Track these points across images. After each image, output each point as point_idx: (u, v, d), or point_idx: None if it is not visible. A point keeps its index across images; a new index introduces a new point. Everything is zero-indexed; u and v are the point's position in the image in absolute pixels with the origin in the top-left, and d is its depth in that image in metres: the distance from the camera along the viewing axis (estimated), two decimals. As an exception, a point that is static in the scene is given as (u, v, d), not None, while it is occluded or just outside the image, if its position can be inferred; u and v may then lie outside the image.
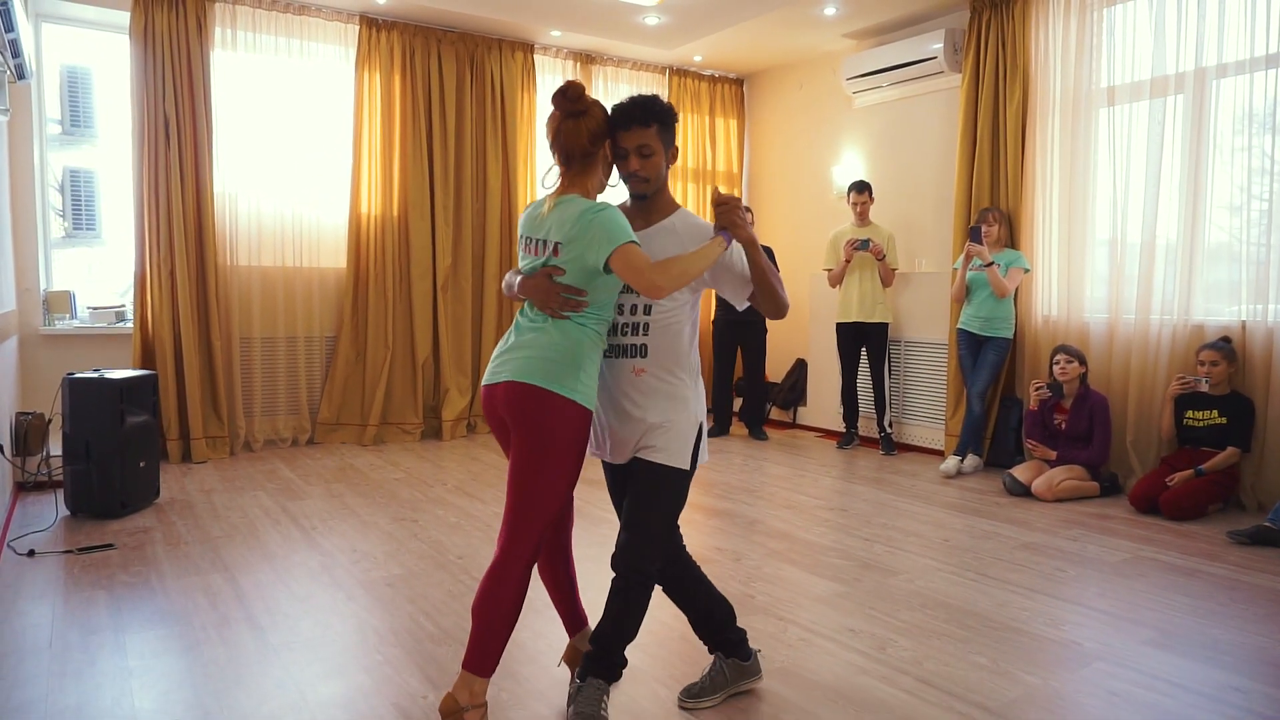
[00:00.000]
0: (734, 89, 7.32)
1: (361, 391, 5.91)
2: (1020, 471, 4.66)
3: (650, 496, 2.06)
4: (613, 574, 2.10)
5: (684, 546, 2.31)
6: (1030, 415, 4.80)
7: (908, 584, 3.21)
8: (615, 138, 2.05)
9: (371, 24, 5.71)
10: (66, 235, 5.41)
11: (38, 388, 4.96)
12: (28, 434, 4.31)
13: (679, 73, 7.01)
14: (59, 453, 4.16)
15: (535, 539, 2.00)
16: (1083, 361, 4.64)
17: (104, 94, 5.34)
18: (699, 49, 6.42)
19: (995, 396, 5.23)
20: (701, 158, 7.17)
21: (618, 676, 2.15)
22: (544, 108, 6.46)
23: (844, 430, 6.03)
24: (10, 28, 3.42)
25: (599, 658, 2.10)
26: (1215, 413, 4.27)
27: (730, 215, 2.00)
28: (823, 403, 6.43)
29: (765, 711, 2.24)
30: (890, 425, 5.84)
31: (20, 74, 4.06)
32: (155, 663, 2.48)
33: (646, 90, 6.90)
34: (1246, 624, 2.84)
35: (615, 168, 2.12)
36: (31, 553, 3.43)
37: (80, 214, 5.43)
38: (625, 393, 2.11)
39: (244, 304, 5.53)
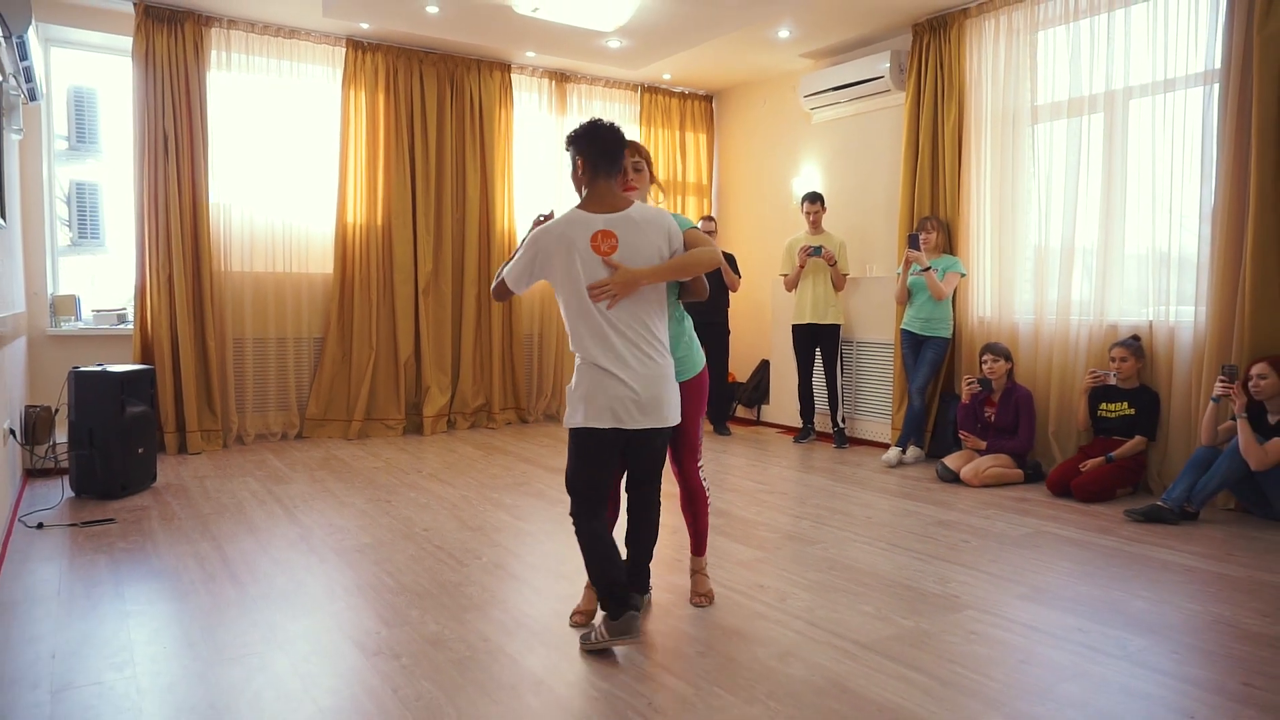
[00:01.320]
0: (703, 105, 7.74)
1: (347, 389, 6.30)
2: (952, 460, 5.04)
3: None
4: None
5: (599, 506, 2.66)
6: (962, 409, 5.18)
7: (822, 551, 3.59)
8: None
9: (357, 46, 6.13)
10: (72, 244, 5.81)
11: (44, 384, 5.35)
12: (36, 425, 4.71)
13: (650, 90, 7.42)
14: (63, 442, 4.55)
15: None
16: (1008, 359, 5.02)
17: (108, 112, 5.75)
18: (666, 68, 6.84)
19: (935, 392, 5.62)
20: (672, 170, 7.58)
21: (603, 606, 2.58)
22: (520, 123, 6.89)
23: (801, 426, 6.41)
24: (25, 56, 3.83)
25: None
26: (1125, 404, 4.65)
27: None
28: (784, 401, 6.81)
29: (669, 646, 2.62)
30: (843, 420, 6.23)
31: (32, 96, 4.48)
32: (149, 607, 2.87)
33: (619, 107, 7.30)
34: (1111, 583, 3.22)
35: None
36: (40, 525, 3.82)
37: (85, 224, 5.83)
38: None
39: (237, 307, 5.92)
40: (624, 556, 2.73)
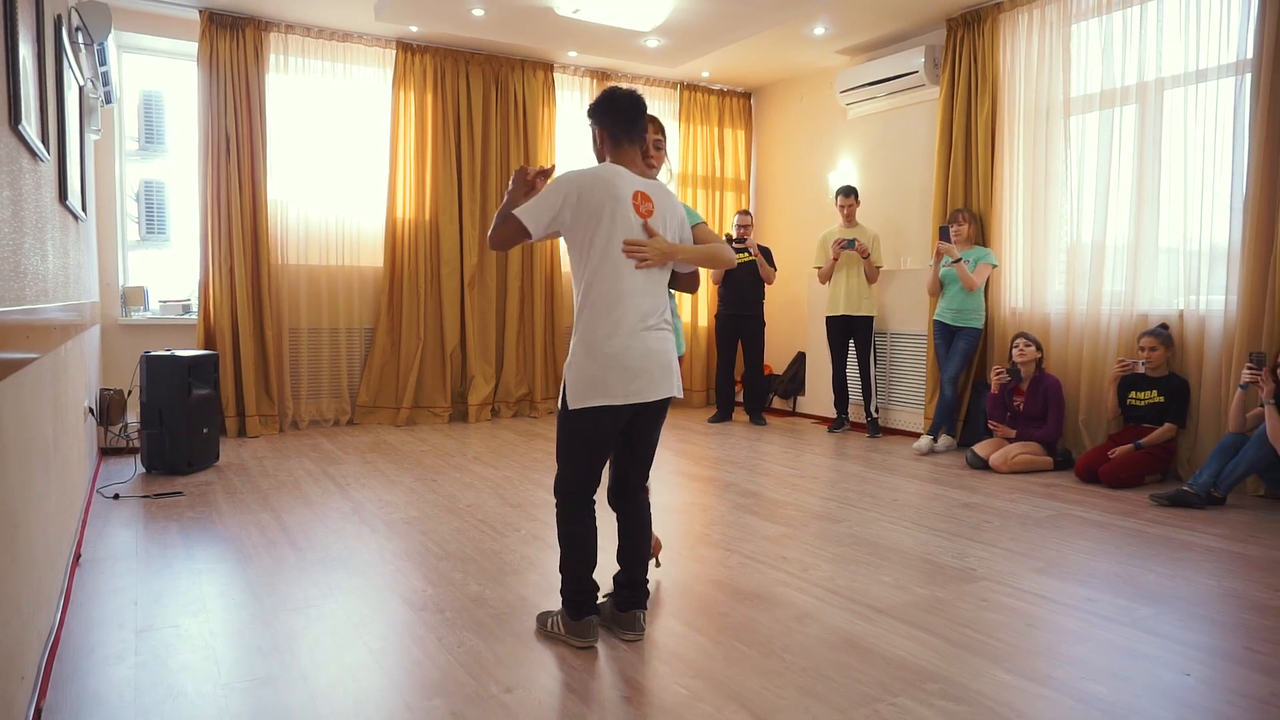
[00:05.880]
0: (742, 102, 7.88)
1: (396, 377, 6.58)
2: (981, 447, 5.13)
3: None
4: None
5: (588, 491, 2.51)
6: (991, 398, 5.26)
7: (846, 529, 3.73)
8: None
9: (407, 48, 6.40)
10: (141, 239, 6.17)
11: (116, 369, 5.70)
12: (110, 406, 5.04)
13: (689, 87, 7.59)
14: (134, 422, 4.87)
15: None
16: (1039, 347, 5.09)
17: (174, 114, 6.10)
18: (704, 66, 7.00)
19: (968, 381, 5.70)
20: (710, 166, 7.74)
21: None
22: (563, 121, 7.10)
23: (835, 416, 6.53)
24: (104, 62, 4.14)
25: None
26: (1155, 393, 4.70)
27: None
28: (820, 392, 6.92)
29: (693, 606, 2.80)
30: (876, 410, 6.33)
31: (108, 99, 4.80)
32: (217, 566, 3.12)
33: (658, 104, 7.45)
34: (1128, 559, 3.31)
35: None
36: (116, 496, 4.13)
37: (153, 220, 6.19)
38: None
39: (293, 298, 6.23)
40: (619, 569, 2.59)
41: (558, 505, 2.51)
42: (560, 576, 2.53)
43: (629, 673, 2.31)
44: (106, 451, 5.22)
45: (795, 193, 7.51)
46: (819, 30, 6.03)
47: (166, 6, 5.64)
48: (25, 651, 1.91)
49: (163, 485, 4.42)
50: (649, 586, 2.66)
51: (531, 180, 2.46)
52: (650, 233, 2.42)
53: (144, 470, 4.72)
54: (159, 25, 5.77)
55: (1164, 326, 4.72)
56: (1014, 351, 5.12)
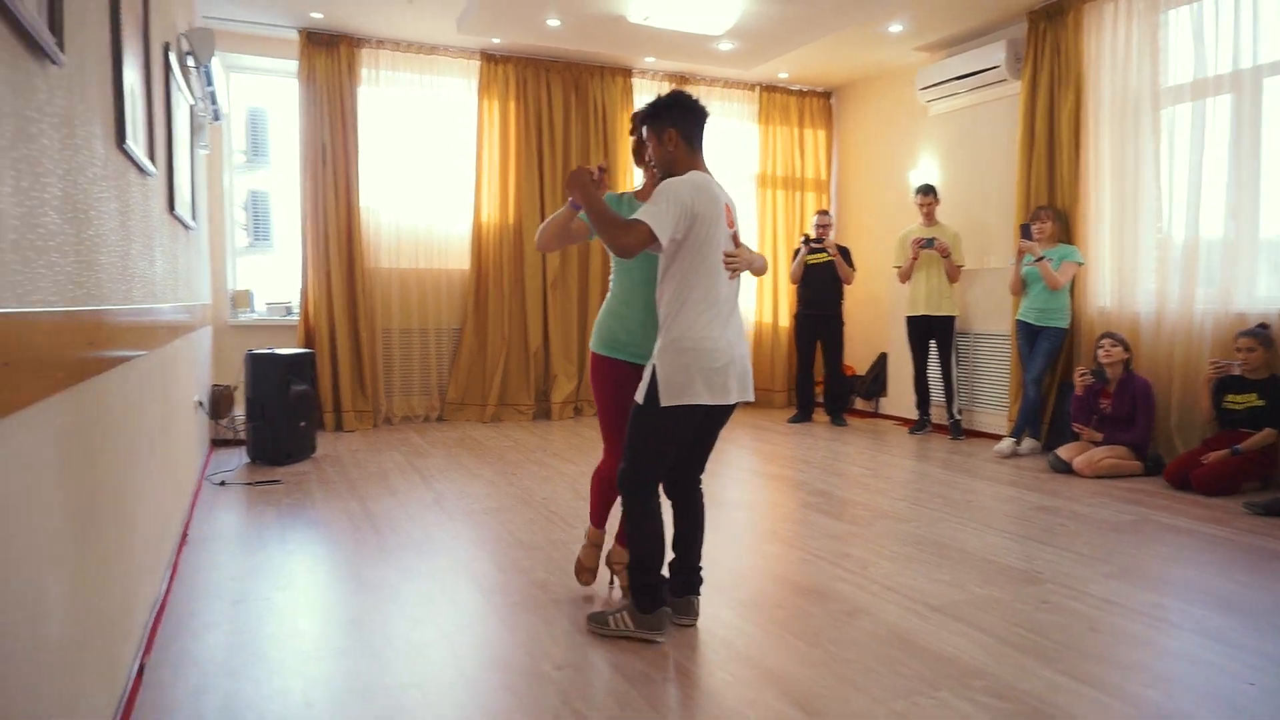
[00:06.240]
0: (822, 102, 7.84)
1: (482, 376, 6.83)
2: (1065, 451, 4.99)
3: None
4: None
5: (654, 481, 2.54)
6: (1076, 400, 5.11)
7: (914, 529, 3.72)
8: None
9: (490, 58, 6.64)
10: (249, 245, 6.60)
11: (226, 367, 6.12)
12: (219, 401, 5.43)
13: (768, 89, 7.61)
14: (241, 415, 5.24)
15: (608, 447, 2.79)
16: (1126, 348, 4.93)
17: (277, 128, 6.51)
18: (781, 67, 7.01)
19: (1053, 382, 5.55)
20: (790, 167, 7.73)
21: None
22: (642, 125, 7.22)
23: (917, 417, 6.44)
24: (210, 82, 4.48)
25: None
26: (1254, 396, 4.49)
27: (570, 186, 2.46)
28: (902, 393, 6.84)
29: (746, 598, 2.86)
30: (959, 412, 6.21)
31: (216, 117, 5.18)
32: (306, 547, 3.37)
33: (737, 106, 7.47)
34: (1207, 567, 3.20)
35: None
36: (222, 483, 4.47)
37: (259, 227, 6.62)
38: None
39: (385, 300, 6.55)
40: (674, 556, 2.65)
41: (627, 496, 2.51)
42: (629, 574, 2.55)
43: (676, 657, 2.40)
44: (217, 443, 5.62)
45: (876, 192, 7.44)
46: (895, 28, 5.97)
47: (270, 28, 6.03)
48: (131, 615, 2.14)
49: (264, 474, 4.74)
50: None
51: (599, 179, 2.50)
52: (737, 243, 2.54)
53: (249, 460, 5.07)
54: (263, 46, 6.17)
55: (1263, 326, 4.50)
56: (1099, 353, 4.97)
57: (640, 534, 2.51)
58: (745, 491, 4.49)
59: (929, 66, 6.44)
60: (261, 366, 5.00)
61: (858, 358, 7.53)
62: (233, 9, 5.71)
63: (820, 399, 7.16)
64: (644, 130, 2.57)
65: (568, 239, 2.70)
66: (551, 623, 2.63)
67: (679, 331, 2.41)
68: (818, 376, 7.13)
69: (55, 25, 1.54)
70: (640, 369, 2.61)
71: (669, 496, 2.70)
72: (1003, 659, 2.37)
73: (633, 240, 2.31)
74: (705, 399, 2.41)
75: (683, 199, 2.36)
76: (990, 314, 6.13)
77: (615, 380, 2.70)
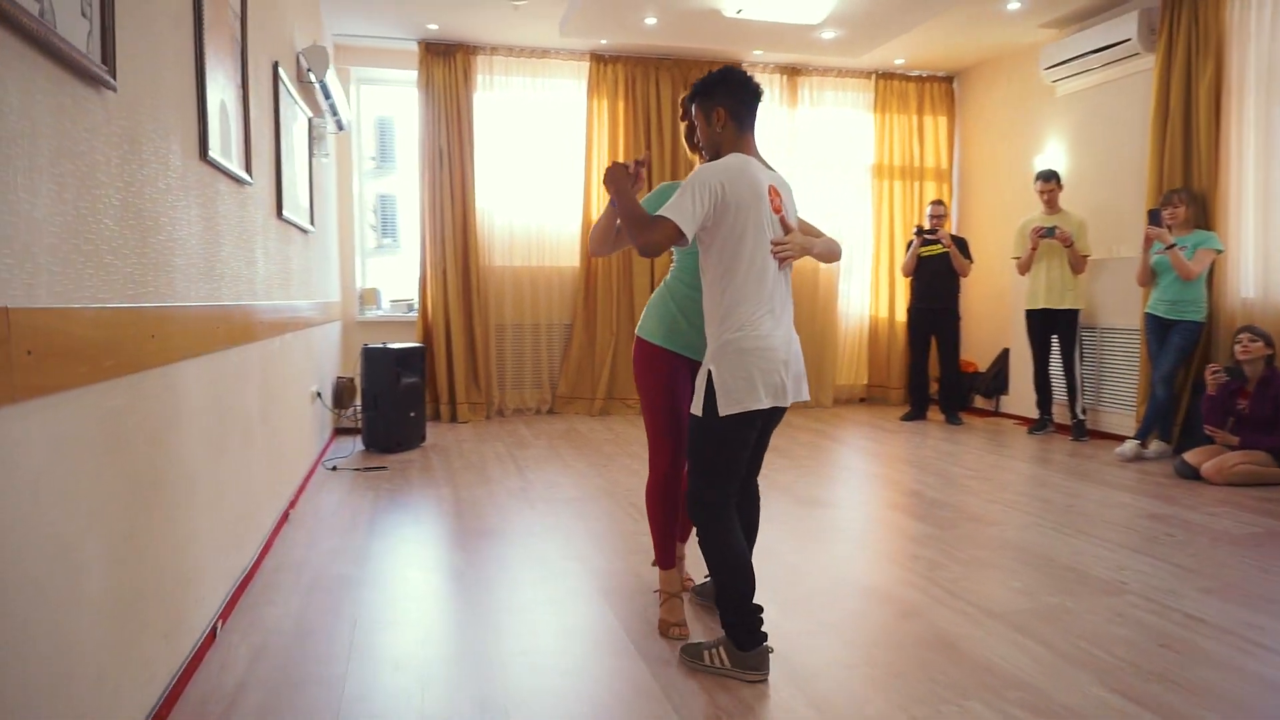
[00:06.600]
0: (943, 87, 7.52)
1: (591, 370, 7.00)
2: (1193, 455, 4.60)
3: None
4: None
5: (728, 500, 2.31)
6: (1208, 400, 4.69)
7: (998, 533, 3.54)
8: None
9: (599, 59, 6.78)
10: (378, 245, 7.05)
11: (353, 361, 6.55)
12: (342, 392, 5.84)
13: (885, 76, 7.37)
14: (358, 405, 5.62)
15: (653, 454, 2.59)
16: (1269, 343, 4.48)
17: (401, 135, 6.92)
18: (896, 52, 6.77)
19: (1186, 381, 5.11)
20: (909, 155, 7.46)
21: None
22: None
23: (1037, 416, 6.09)
24: (327, 95, 4.83)
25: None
26: None
27: (605, 183, 2.35)
28: (1023, 391, 6.48)
29: (800, 595, 2.83)
30: (1083, 412, 5.82)
31: (339, 126, 5.57)
32: (391, 530, 3.60)
33: (852, 95, 7.28)
34: (1328, 586, 2.88)
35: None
36: (334, 468, 4.82)
37: (386, 228, 7.05)
38: None
39: (498, 296, 6.83)
40: None
41: (703, 522, 2.27)
42: (718, 607, 2.30)
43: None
44: (340, 431, 6.05)
45: (1000, 179, 7.06)
46: (1014, 5, 5.65)
47: (393, 41, 6.41)
48: (203, 579, 2.37)
49: (373, 461, 5.07)
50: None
51: (635, 172, 2.39)
52: (787, 229, 2.32)
53: (362, 448, 5.43)
54: (388, 59, 6.56)
55: None
56: (1237, 348, 4.54)
57: (724, 565, 2.25)
58: (835, 490, 4.41)
59: (1055, 44, 6.05)
60: (374, 360, 5.34)
61: (979, 353, 7.19)
62: (358, 25, 6.11)
63: (936, 396, 6.89)
64: (693, 110, 2.41)
65: (620, 241, 2.59)
66: (592, 605, 2.70)
67: (734, 332, 2.21)
68: (934, 373, 6.87)
69: (107, 57, 1.74)
70: (695, 366, 2.46)
71: None
72: (1051, 671, 2.24)
73: (657, 237, 2.15)
74: (763, 403, 2.21)
75: (709, 185, 2.17)
76: (1119, 307, 5.71)
77: (670, 374, 2.51)
